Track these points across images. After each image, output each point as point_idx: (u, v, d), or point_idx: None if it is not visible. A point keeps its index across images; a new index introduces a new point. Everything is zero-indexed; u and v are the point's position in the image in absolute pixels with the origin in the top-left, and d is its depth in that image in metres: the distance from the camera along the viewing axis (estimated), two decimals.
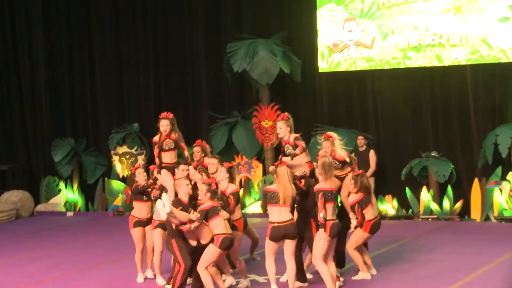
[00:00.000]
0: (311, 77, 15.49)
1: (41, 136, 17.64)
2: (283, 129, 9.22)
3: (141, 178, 9.60)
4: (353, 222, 9.29)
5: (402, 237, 12.31)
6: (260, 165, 15.67)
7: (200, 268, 8.44)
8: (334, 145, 9.36)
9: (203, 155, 9.98)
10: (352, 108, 15.44)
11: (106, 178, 16.88)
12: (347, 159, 9.33)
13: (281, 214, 8.47)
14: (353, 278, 9.44)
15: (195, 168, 9.63)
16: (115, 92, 17.26)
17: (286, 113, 9.36)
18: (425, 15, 14.29)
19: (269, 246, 8.53)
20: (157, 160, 9.40)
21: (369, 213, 9.27)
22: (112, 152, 16.78)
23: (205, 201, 8.58)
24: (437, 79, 14.73)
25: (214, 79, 16.26)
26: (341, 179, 9.24)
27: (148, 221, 9.57)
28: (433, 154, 14.48)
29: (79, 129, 17.48)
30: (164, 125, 9.37)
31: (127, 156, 16.65)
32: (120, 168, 16.66)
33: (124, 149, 16.69)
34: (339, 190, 8.94)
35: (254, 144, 15.65)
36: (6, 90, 17.88)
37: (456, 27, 14.10)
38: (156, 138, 9.45)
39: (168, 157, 9.35)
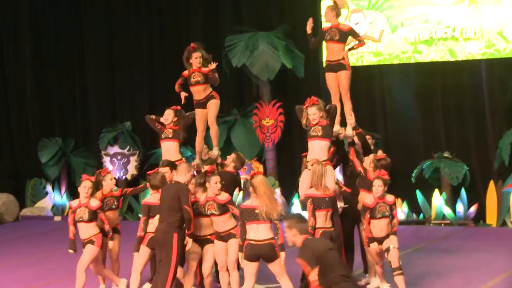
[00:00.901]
0: (315, 72, 15.43)
1: (26, 135, 17.59)
2: (317, 115, 8.97)
3: (108, 185, 9.27)
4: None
5: (413, 244, 12.22)
6: (261, 167, 15.55)
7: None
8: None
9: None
10: (358, 106, 15.28)
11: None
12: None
13: (258, 232, 7.85)
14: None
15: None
16: (106, 88, 17.21)
17: (313, 97, 9.16)
18: (437, 7, 14.24)
19: (245, 267, 7.93)
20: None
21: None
22: (102, 152, 16.72)
23: None
24: (449, 75, 14.67)
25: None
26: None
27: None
28: (445, 154, 14.42)
29: (68, 128, 17.42)
30: (167, 114, 9.60)
31: (119, 157, 16.57)
32: (111, 169, 16.56)
33: (115, 149, 16.60)
34: (333, 197, 8.57)
35: (254, 144, 15.57)
36: None
37: (470, 19, 14.02)
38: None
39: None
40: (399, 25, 14.53)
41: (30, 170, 17.45)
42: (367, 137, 14.19)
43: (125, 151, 16.59)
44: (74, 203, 9.04)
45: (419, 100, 14.93)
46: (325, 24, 9.85)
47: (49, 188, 16.99)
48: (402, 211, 14.51)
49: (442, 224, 14.19)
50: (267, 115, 15.42)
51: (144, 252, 8.62)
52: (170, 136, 9.49)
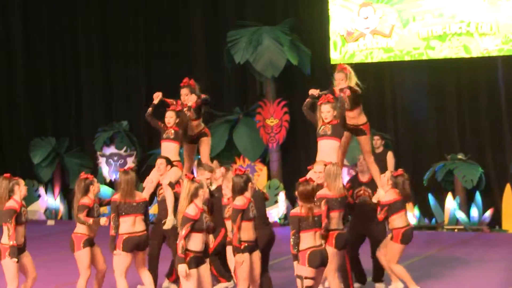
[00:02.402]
0: (322, 69, 15.43)
1: (18, 134, 17.62)
2: (331, 113, 9.11)
3: (95, 190, 9.10)
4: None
5: (424, 250, 12.27)
6: (265, 168, 15.61)
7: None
8: (349, 78, 9.48)
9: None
10: (368, 105, 15.22)
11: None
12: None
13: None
14: None
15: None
16: (101, 86, 17.24)
17: (330, 95, 9.32)
18: (451, 0, 14.28)
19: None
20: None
21: (401, 220, 9.22)
22: (98, 153, 16.76)
23: None
24: (464, 72, 14.70)
25: (213, 72, 16.20)
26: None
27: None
28: (459, 156, 14.44)
29: (61, 127, 17.46)
30: (169, 116, 9.95)
31: (115, 158, 16.62)
32: (107, 171, 16.62)
33: (112, 149, 16.66)
34: (345, 197, 8.80)
35: (258, 145, 15.60)
36: None
37: (486, 14, 14.05)
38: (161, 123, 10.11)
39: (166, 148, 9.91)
40: (411, 20, 14.55)
41: (22, 171, 17.39)
42: (376, 137, 14.35)
43: (122, 151, 16.64)
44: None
45: (432, 99, 14.95)
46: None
47: (41, 190, 17.02)
48: (413, 215, 14.54)
49: (456, 230, 14.22)
50: (271, 114, 15.47)
51: (123, 257, 8.67)
52: (172, 137, 9.87)
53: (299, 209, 7.78)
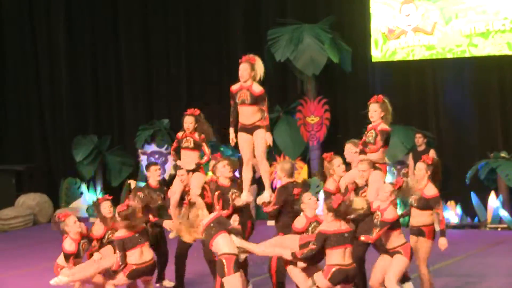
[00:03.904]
0: (363, 67, 15.43)
1: (61, 133, 17.80)
2: (377, 113, 8.87)
3: (106, 211, 9.09)
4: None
5: (467, 249, 12.19)
6: (305, 167, 15.61)
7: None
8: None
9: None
10: (409, 103, 15.34)
11: (132, 180, 16.93)
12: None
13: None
14: None
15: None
16: (143, 85, 17.35)
17: (380, 96, 9.01)
18: None
19: None
20: (172, 152, 9.86)
21: (431, 216, 8.69)
22: (139, 151, 16.87)
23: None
24: (507, 70, 14.57)
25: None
26: None
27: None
28: (502, 154, 14.32)
29: (103, 126, 17.60)
30: (188, 122, 9.66)
31: (156, 156, 16.73)
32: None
33: (152, 147, 16.77)
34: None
35: (299, 143, 15.60)
36: (24, 83, 18.07)
37: None
38: (179, 134, 9.82)
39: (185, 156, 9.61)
40: (453, 17, 14.46)
41: (65, 169, 17.64)
42: (418, 135, 14.27)
43: (163, 149, 16.74)
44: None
45: (475, 96, 14.82)
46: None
47: (84, 188, 17.19)
48: (455, 214, 14.46)
49: (499, 229, 14.10)
50: (312, 112, 15.46)
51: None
52: (191, 146, 9.65)
53: (328, 226, 7.78)
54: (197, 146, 9.64)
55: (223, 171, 9.09)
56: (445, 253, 11.35)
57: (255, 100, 8.88)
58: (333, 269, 7.71)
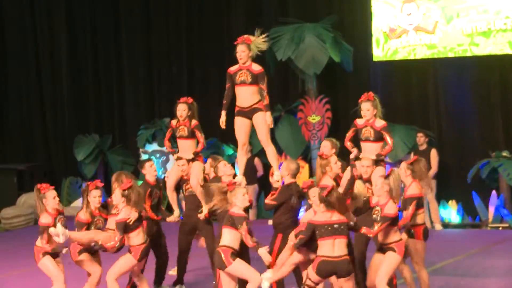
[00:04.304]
0: (365, 66, 15.43)
1: (62, 132, 17.83)
2: (370, 112, 8.86)
3: (95, 201, 8.91)
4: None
5: (468, 249, 12.18)
6: (306, 166, 15.60)
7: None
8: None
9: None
10: (411, 102, 15.34)
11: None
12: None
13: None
14: None
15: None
16: (144, 83, 17.37)
17: (370, 92, 8.99)
18: None
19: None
20: (167, 142, 9.74)
21: (421, 216, 8.61)
22: (140, 150, 16.88)
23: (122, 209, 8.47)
24: (509, 69, 14.58)
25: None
26: None
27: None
28: (504, 154, 14.32)
29: (104, 125, 17.63)
30: (181, 109, 9.53)
31: (158, 155, 16.74)
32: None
33: (154, 146, 16.78)
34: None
35: (300, 142, 15.60)
36: (25, 82, 18.09)
37: None
38: (173, 122, 9.69)
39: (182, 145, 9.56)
40: (455, 16, 14.45)
41: (66, 168, 17.67)
42: (420, 134, 14.27)
43: (164, 148, 16.74)
44: None
45: (476, 96, 14.82)
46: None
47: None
48: (457, 213, 14.46)
49: (500, 228, 14.09)
50: (313, 111, 15.46)
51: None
52: (185, 135, 9.57)
53: (318, 216, 7.81)
54: (191, 134, 9.54)
55: (225, 170, 9.09)
56: (446, 253, 11.42)
57: (256, 79, 8.82)
58: (319, 260, 7.71)
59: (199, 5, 16.82)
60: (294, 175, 8.83)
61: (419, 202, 8.44)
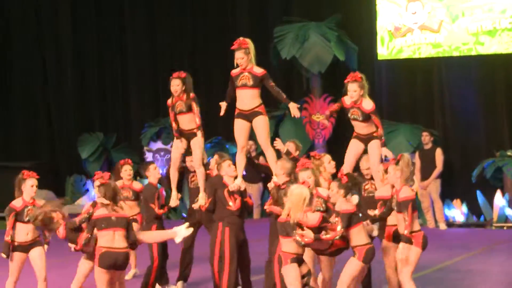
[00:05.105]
0: (369, 65, 15.40)
1: (66, 130, 17.84)
2: (357, 93, 8.53)
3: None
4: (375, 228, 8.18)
5: (472, 248, 12.15)
6: None
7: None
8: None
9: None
10: (416, 101, 15.33)
11: (138, 178, 16.94)
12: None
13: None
14: None
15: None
16: (149, 82, 17.38)
17: (357, 72, 8.69)
18: None
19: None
20: (173, 124, 9.17)
21: (417, 222, 7.95)
22: (145, 148, 16.89)
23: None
24: None
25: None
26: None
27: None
28: (509, 153, 14.32)
29: (109, 123, 17.65)
30: (175, 85, 9.15)
31: (162, 153, 16.74)
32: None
33: (158, 145, 16.78)
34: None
35: (304, 141, 15.56)
36: (30, 81, 18.10)
37: None
38: (169, 101, 9.25)
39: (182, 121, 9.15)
40: (460, 15, 14.43)
41: (70, 166, 17.69)
42: (425, 133, 14.25)
43: (169, 146, 16.74)
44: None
45: (481, 95, 14.81)
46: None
47: (89, 185, 17.23)
48: (461, 212, 14.43)
49: (505, 227, 14.08)
50: (317, 110, 15.45)
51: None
52: (185, 110, 9.12)
53: (347, 205, 7.49)
54: (189, 108, 9.13)
55: (228, 171, 8.98)
56: (451, 252, 11.40)
57: (258, 82, 8.73)
58: (366, 249, 7.47)
59: (203, 4, 16.81)
60: (289, 174, 8.72)
61: (414, 205, 7.79)
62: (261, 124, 8.76)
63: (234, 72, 8.94)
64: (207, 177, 9.15)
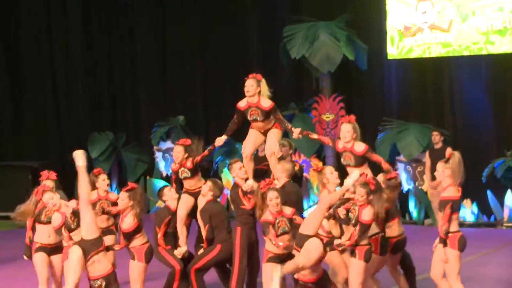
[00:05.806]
0: (379, 64, 15.39)
1: (76, 129, 17.85)
2: (350, 134, 8.54)
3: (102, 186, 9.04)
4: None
5: (483, 248, 12.13)
6: (320, 164, 15.53)
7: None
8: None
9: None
10: (426, 100, 15.29)
11: (148, 177, 16.97)
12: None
13: None
14: None
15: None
16: (159, 81, 17.37)
17: (352, 115, 8.71)
18: None
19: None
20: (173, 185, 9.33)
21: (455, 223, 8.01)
22: (155, 148, 16.89)
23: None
24: None
25: (269, 67, 16.17)
26: None
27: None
28: None
29: (119, 122, 17.64)
30: (177, 151, 9.26)
31: (172, 153, 16.70)
32: (163, 165, 16.74)
33: (168, 144, 16.77)
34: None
35: (313, 141, 15.54)
36: (40, 81, 18.12)
37: None
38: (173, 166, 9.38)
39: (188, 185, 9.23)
40: (470, 14, 14.39)
41: None
42: (435, 133, 14.19)
43: None
44: None
45: (491, 94, 14.77)
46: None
47: None
48: (472, 212, 14.40)
49: None
50: (327, 110, 15.42)
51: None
52: (189, 176, 9.17)
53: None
54: (194, 172, 9.16)
55: (238, 173, 8.97)
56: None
57: (268, 115, 8.84)
58: (365, 249, 7.67)
59: (213, 4, 16.80)
60: (290, 175, 8.73)
61: (454, 206, 7.80)
62: (274, 134, 8.94)
63: (241, 105, 8.97)
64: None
